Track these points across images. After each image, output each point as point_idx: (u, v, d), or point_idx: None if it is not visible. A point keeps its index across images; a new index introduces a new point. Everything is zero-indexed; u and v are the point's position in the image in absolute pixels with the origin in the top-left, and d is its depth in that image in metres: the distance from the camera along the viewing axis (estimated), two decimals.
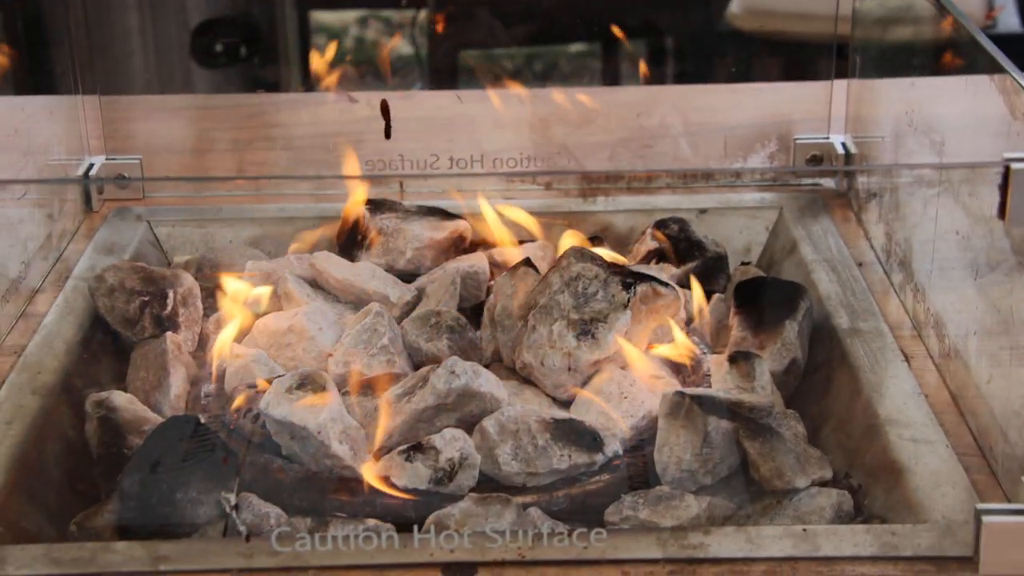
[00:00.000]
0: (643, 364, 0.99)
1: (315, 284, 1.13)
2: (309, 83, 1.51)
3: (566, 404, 0.99)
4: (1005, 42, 1.01)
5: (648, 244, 1.19)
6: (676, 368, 1.03)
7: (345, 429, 0.91)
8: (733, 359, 1.00)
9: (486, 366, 0.99)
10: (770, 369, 1.01)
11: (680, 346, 1.02)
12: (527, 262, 1.07)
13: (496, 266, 1.16)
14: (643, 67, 1.47)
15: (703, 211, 1.27)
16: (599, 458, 0.92)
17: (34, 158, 1.20)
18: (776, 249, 1.25)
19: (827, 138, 1.35)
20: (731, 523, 0.88)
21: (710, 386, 1.00)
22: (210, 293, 1.12)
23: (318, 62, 1.48)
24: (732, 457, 0.93)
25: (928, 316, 1.04)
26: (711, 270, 1.18)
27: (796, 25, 1.64)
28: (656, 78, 1.59)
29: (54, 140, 1.27)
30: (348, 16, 2.74)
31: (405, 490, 0.88)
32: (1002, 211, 0.82)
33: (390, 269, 1.15)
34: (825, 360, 1.05)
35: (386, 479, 0.89)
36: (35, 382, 1.00)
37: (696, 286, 1.11)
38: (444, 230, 1.18)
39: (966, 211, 0.97)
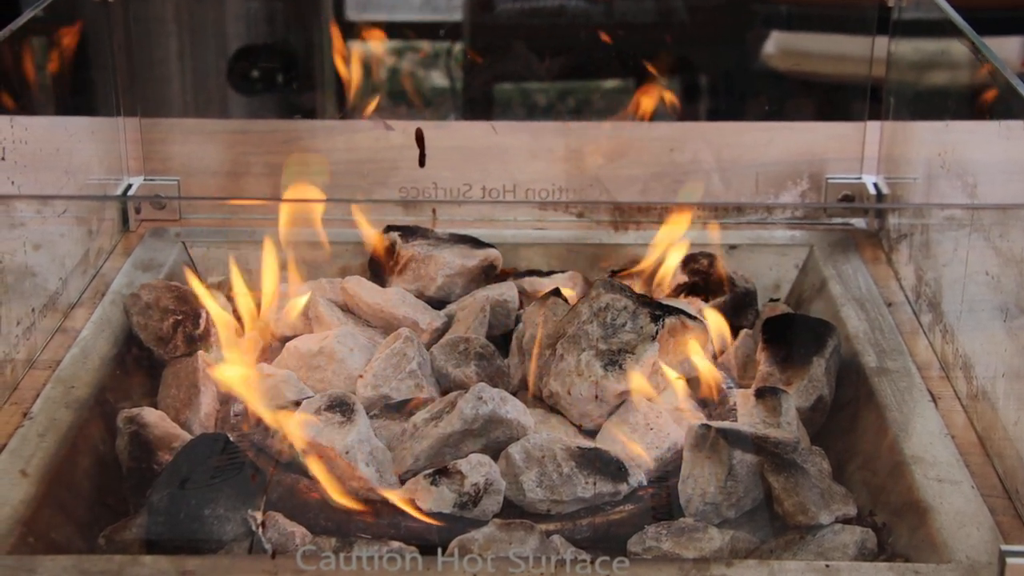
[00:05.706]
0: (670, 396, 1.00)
1: (346, 308, 1.14)
2: (345, 111, 1.52)
3: (592, 433, 0.99)
4: None
5: (677, 278, 1.20)
6: (702, 401, 1.03)
7: (372, 451, 0.92)
8: (760, 394, 1.00)
9: (513, 394, 1.00)
10: (796, 405, 1.01)
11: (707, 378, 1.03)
12: (556, 292, 1.08)
13: (525, 295, 1.17)
14: (677, 103, 1.47)
15: (733, 247, 1.27)
16: (623, 488, 0.92)
17: (74, 177, 1.22)
18: (805, 287, 1.25)
19: (859, 178, 1.35)
20: (754, 557, 0.88)
21: (736, 420, 1.00)
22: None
23: (355, 90, 1.49)
24: (756, 491, 0.93)
25: (957, 357, 1.04)
26: (739, 305, 1.18)
27: (830, 66, 1.64)
28: (690, 114, 1.59)
29: (94, 160, 1.29)
30: (385, 46, 2.76)
31: (429, 514, 0.89)
32: None
33: (420, 295, 1.16)
34: (852, 398, 1.05)
35: (411, 502, 0.89)
36: (68, 396, 1.01)
37: (724, 320, 1.11)
38: (475, 258, 1.19)
39: (996, 252, 0.97)
